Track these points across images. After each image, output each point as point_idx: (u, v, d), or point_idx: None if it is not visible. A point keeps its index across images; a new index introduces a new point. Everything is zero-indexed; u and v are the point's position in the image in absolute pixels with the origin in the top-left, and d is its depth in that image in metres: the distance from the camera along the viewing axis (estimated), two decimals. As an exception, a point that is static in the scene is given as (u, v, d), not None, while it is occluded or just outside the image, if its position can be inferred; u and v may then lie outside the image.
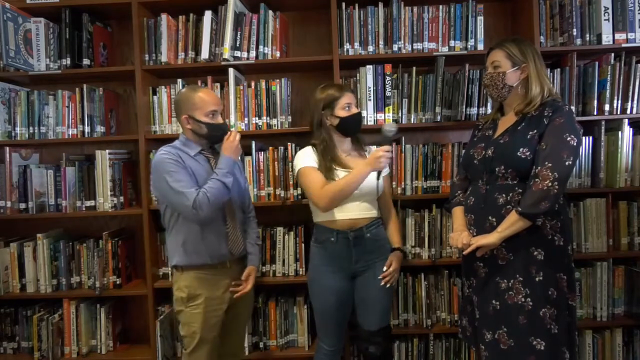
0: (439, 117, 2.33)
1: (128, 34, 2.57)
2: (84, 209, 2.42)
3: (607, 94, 2.24)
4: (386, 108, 2.34)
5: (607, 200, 2.30)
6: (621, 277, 2.33)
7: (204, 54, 2.34)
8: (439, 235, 2.37)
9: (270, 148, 2.37)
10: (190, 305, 1.86)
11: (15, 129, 2.45)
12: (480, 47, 2.32)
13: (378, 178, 1.85)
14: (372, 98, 2.33)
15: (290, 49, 2.60)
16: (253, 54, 2.36)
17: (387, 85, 2.33)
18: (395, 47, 2.34)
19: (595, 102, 2.27)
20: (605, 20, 2.25)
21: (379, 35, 2.35)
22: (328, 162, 1.88)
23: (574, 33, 2.28)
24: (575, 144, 1.59)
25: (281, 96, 2.38)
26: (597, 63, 2.29)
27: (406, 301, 2.39)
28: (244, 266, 2.00)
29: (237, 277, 1.96)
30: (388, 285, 1.93)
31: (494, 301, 1.70)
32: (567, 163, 1.56)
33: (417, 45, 2.35)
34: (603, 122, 2.27)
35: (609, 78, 2.24)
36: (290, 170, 2.34)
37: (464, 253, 1.71)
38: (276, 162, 2.37)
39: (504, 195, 1.68)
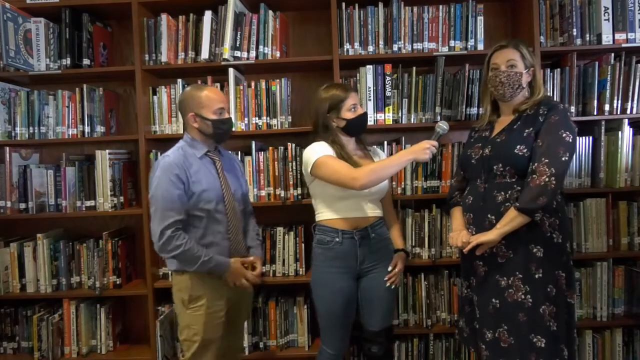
0: (439, 117, 2.33)
1: (128, 34, 2.57)
2: (84, 209, 2.42)
3: (607, 94, 2.25)
4: (386, 108, 2.34)
5: (607, 200, 2.30)
6: (621, 277, 2.33)
7: (204, 54, 2.35)
8: (439, 235, 2.37)
9: (270, 148, 2.37)
10: (192, 307, 1.83)
11: (15, 129, 2.44)
12: (480, 47, 2.32)
13: (412, 170, 1.94)
14: (372, 98, 2.33)
15: (290, 49, 2.60)
16: (253, 54, 2.36)
17: (387, 85, 2.33)
18: (395, 47, 2.34)
19: (595, 102, 2.27)
20: (605, 20, 2.25)
21: (379, 35, 2.35)
22: (347, 161, 1.86)
23: (574, 33, 2.28)
24: (570, 140, 1.62)
25: (281, 96, 2.38)
26: (597, 63, 2.29)
27: (406, 301, 2.39)
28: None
29: None
30: (393, 286, 1.94)
31: (494, 299, 1.71)
32: (563, 159, 1.60)
33: (417, 45, 2.35)
34: (603, 122, 2.27)
35: (609, 78, 2.24)
36: (291, 170, 2.34)
37: (464, 251, 1.72)
38: (276, 162, 2.37)
39: (502, 193, 1.70)
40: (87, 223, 2.65)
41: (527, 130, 1.69)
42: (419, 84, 2.35)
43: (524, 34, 2.37)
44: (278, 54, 2.40)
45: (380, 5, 2.34)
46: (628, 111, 2.25)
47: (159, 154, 2.20)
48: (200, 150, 1.87)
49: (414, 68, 2.35)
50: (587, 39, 2.29)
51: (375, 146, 2.14)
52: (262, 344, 2.42)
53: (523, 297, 1.65)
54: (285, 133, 2.41)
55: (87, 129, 2.43)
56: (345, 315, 1.93)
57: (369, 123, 2.31)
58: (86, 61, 2.42)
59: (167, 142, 2.34)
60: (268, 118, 2.39)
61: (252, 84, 2.39)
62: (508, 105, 1.80)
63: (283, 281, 2.39)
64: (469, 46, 2.33)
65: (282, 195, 2.37)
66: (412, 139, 2.45)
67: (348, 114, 1.90)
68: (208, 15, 2.34)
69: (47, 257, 2.43)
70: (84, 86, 2.42)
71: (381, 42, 2.35)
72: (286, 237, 2.40)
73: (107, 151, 2.38)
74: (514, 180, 1.69)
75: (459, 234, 1.78)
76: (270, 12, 2.38)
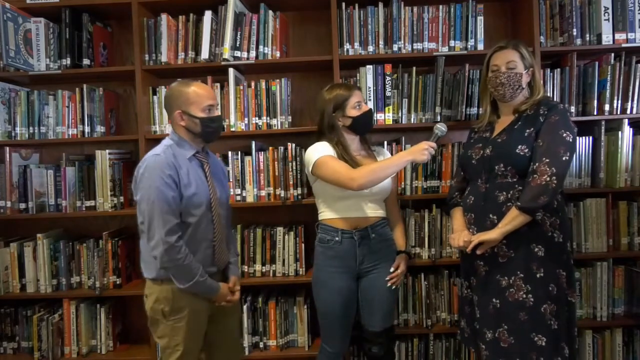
0: (439, 117, 2.33)
1: (128, 34, 2.57)
2: (84, 209, 2.42)
3: (607, 94, 2.24)
4: (386, 108, 2.34)
5: (607, 200, 2.30)
6: (621, 277, 2.33)
7: (204, 54, 2.34)
8: (439, 235, 2.37)
9: (270, 148, 2.37)
10: (173, 319, 1.73)
11: (15, 129, 2.44)
12: (480, 47, 2.32)
13: (412, 170, 1.93)
14: (372, 98, 2.33)
15: (290, 49, 2.60)
16: (253, 54, 2.36)
17: (387, 85, 2.33)
18: (395, 47, 2.34)
19: (595, 102, 2.27)
20: (605, 20, 2.25)
21: (379, 35, 2.35)
22: (349, 162, 1.86)
23: (574, 33, 2.28)
24: (571, 140, 1.64)
25: (281, 96, 2.38)
26: (597, 63, 2.29)
27: (406, 301, 2.39)
28: (224, 276, 1.90)
29: None
30: (394, 287, 1.94)
31: (494, 299, 1.71)
32: (564, 158, 1.61)
33: (417, 45, 2.35)
34: (603, 122, 2.27)
35: (609, 78, 2.24)
36: (291, 170, 2.34)
37: (467, 250, 1.72)
38: (276, 162, 2.37)
39: (504, 193, 1.70)
40: (87, 223, 2.65)
41: (527, 130, 1.70)
42: (419, 84, 2.35)
43: (524, 34, 2.37)
44: (278, 54, 2.40)
45: (380, 5, 2.34)
46: (628, 111, 2.25)
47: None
48: (189, 151, 1.75)
49: (414, 68, 2.35)
50: (587, 39, 2.29)
51: (380, 146, 2.15)
52: (262, 344, 2.42)
53: (524, 296, 1.66)
54: (285, 133, 2.41)
55: (87, 129, 2.43)
56: (344, 315, 1.93)
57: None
58: (86, 61, 2.42)
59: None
60: (268, 118, 2.39)
61: (252, 84, 2.39)
62: (508, 106, 1.81)
63: (283, 281, 2.39)
64: (469, 46, 2.33)
65: (282, 195, 2.37)
66: (412, 139, 2.45)
67: (353, 112, 1.90)
68: (208, 15, 2.34)
69: (47, 257, 2.43)
70: (84, 86, 2.42)
71: (381, 42, 2.35)
72: (286, 237, 2.40)
73: (107, 151, 2.38)
74: (515, 180, 1.70)
75: (460, 234, 1.79)
76: (270, 12, 2.38)
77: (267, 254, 2.40)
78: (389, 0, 2.36)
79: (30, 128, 2.44)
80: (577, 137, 1.85)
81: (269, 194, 2.38)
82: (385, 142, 2.32)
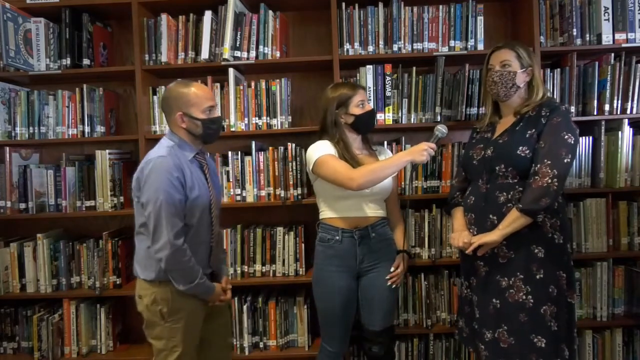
0: (439, 117, 2.33)
1: (128, 34, 2.57)
2: (84, 209, 2.42)
3: (607, 94, 2.24)
4: (386, 108, 2.34)
5: (607, 200, 2.30)
6: (621, 277, 2.33)
7: (204, 54, 2.34)
8: (439, 235, 2.37)
9: (270, 148, 2.37)
10: (171, 320, 1.71)
11: (15, 129, 2.44)
12: (480, 47, 2.32)
13: (412, 170, 1.96)
14: (372, 98, 2.33)
15: (290, 49, 2.60)
16: (253, 54, 2.36)
17: (387, 85, 2.33)
18: (395, 47, 2.34)
19: (595, 102, 2.27)
20: (605, 20, 2.25)
21: (379, 35, 2.35)
22: (349, 161, 1.86)
23: (574, 33, 2.28)
24: (572, 142, 1.63)
25: (281, 96, 2.38)
26: (597, 63, 2.29)
27: (406, 301, 2.39)
28: (213, 275, 1.88)
29: None
30: (394, 286, 1.94)
31: (494, 300, 1.71)
32: (565, 160, 1.61)
33: (417, 45, 2.35)
34: (603, 122, 2.27)
35: (609, 78, 2.24)
36: (291, 170, 2.34)
37: (467, 252, 1.72)
38: (276, 162, 2.36)
39: (504, 193, 1.70)
40: (87, 223, 2.65)
41: (529, 132, 1.70)
42: (419, 84, 2.35)
43: (524, 34, 2.37)
44: (278, 54, 2.40)
45: (380, 5, 2.34)
46: (628, 111, 2.25)
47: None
48: (190, 153, 1.75)
49: (414, 68, 2.35)
50: (587, 39, 2.29)
51: (381, 146, 2.15)
52: (262, 344, 2.42)
53: (524, 297, 1.65)
54: (285, 133, 2.41)
55: (87, 129, 2.43)
56: (344, 314, 1.93)
57: (369, 123, 2.33)
58: (86, 61, 2.42)
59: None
60: (268, 118, 2.39)
61: (252, 84, 2.39)
62: (509, 107, 1.81)
63: (283, 281, 2.39)
64: (469, 46, 2.33)
65: (282, 195, 2.37)
66: (412, 139, 2.45)
67: (356, 110, 1.91)
68: (208, 15, 2.34)
69: (47, 257, 2.43)
70: (84, 86, 2.41)
71: (381, 42, 2.35)
72: (286, 237, 2.40)
73: (107, 151, 2.38)
74: (515, 181, 1.70)
75: (461, 234, 1.79)
76: (270, 12, 2.38)
77: (267, 254, 2.40)
78: (389, 0, 2.36)
79: (30, 128, 2.44)
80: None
81: (269, 194, 2.38)
82: (385, 142, 2.32)
